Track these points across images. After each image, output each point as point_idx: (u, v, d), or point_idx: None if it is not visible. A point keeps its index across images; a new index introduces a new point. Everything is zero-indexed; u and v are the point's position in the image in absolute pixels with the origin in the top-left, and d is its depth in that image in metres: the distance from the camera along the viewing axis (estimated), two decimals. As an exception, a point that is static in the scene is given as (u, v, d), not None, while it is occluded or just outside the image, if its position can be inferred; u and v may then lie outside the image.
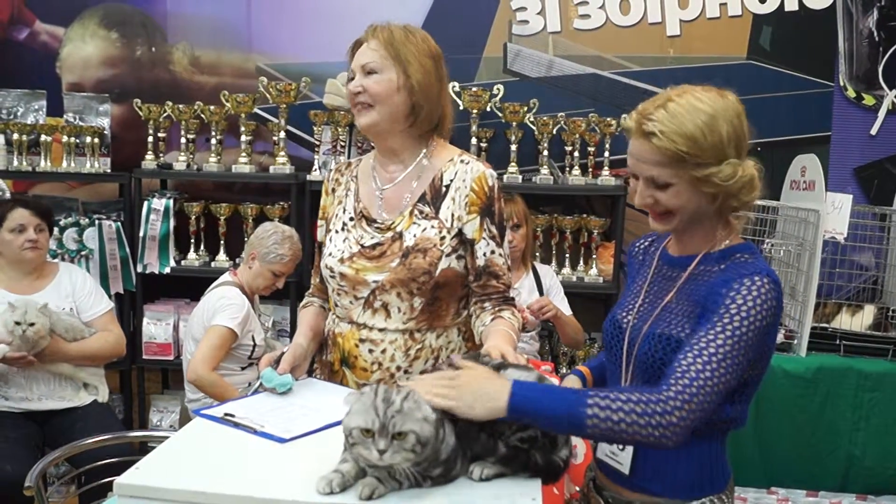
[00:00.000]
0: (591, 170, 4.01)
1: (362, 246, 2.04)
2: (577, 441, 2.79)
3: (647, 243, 1.88)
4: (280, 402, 1.89)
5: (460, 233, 2.02)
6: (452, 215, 2.02)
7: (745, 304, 1.50)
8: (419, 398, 1.40)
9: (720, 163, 1.54)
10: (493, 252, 2.03)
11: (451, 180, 2.04)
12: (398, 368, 2.02)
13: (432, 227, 2.01)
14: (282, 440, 1.64)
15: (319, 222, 2.21)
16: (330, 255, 2.08)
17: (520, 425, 1.51)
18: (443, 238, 2.00)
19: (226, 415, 1.76)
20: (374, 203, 2.09)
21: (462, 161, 2.06)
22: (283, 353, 2.01)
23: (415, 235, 2.00)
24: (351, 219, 2.09)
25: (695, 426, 1.46)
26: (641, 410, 1.43)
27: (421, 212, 2.03)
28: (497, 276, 2.04)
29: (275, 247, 3.32)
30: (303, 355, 2.06)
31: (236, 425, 1.71)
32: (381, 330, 2.02)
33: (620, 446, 1.68)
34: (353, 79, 2.03)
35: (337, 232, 2.10)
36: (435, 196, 2.04)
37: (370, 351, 2.03)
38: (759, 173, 1.60)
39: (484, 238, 2.02)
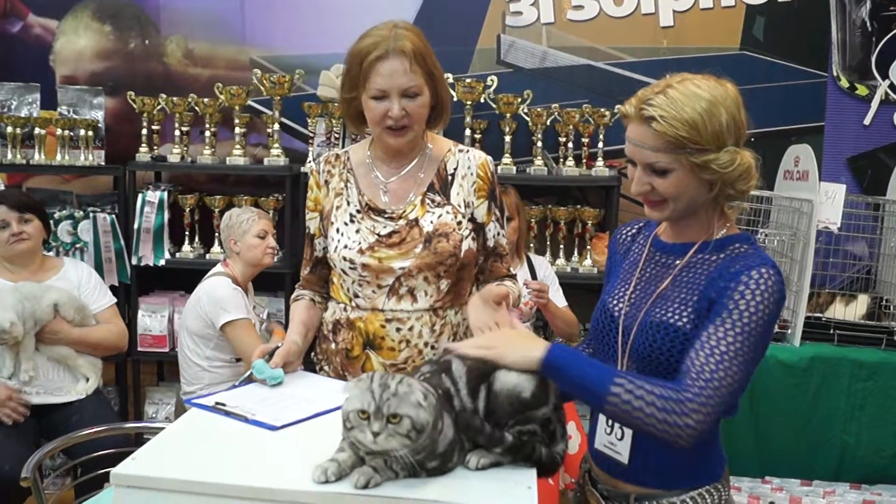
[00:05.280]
0: (585, 161, 4.01)
1: (379, 235, 2.05)
2: (572, 432, 2.82)
3: (634, 230, 1.86)
4: (271, 392, 1.90)
5: (472, 217, 2.09)
6: (464, 201, 2.08)
7: (753, 300, 1.50)
8: (413, 383, 1.41)
9: (719, 149, 1.53)
10: (499, 234, 2.15)
11: (455, 168, 2.11)
12: (426, 344, 2.05)
13: (447, 212, 2.06)
14: (273, 427, 1.66)
15: (311, 214, 2.21)
16: (346, 247, 2.07)
17: (519, 419, 1.52)
18: (459, 222, 2.06)
19: (217, 403, 1.78)
20: (377, 194, 2.11)
21: (460, 150, 2.14)
22: (276, 348, 2.02)
23: (432, 222, 2.04)
24: (358, 211, 2.09)
25: (710, 427, 1.47)
26: (661, 406, 1.45)
27: (432, 200, 2.08)
28: (501, 257, 2.16)
29: (240, 219, 3.39)
30: (297, 352, 2.08)
31: (227, 413, 1.73)
32: (406, 310, 2.05)
33: (619, 436, 1.68)
34: (378, 98, 1.96)
35: (346, 224, 2.09)
36: (443, 184, 2.09)
37: (398, 330, 2.05)
38: (755, 162, 1.59)
39: (493, 221, 2.13)
